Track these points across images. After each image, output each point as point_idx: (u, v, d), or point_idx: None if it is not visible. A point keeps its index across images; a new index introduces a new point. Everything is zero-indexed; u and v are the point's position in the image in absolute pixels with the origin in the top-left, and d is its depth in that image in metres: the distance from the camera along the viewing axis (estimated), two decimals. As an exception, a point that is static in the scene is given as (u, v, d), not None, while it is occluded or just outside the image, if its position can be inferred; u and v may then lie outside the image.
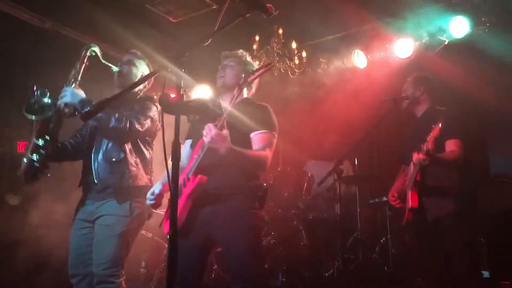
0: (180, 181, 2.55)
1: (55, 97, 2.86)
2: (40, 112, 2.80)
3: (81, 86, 2.94)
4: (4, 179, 4.68)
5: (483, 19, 4.71)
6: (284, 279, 4.65)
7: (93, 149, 2.99)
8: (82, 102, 2.79)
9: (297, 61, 5.53)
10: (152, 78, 3.19)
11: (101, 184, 2.90)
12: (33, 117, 2.79)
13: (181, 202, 2.48)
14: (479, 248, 4.34)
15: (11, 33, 4.77)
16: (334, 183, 4.63)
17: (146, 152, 3.09)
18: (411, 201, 3.20)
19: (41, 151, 2.78)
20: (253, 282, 2.44)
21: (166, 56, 1.88)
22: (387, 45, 5.33)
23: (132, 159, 2.98)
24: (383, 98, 3.66)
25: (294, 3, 4.85)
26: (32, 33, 4.96)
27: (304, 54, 5.53)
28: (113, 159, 2.93)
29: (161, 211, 4.30)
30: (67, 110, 2.86)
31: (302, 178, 5.48)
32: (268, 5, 2.10)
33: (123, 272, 2.92)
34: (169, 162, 1.78)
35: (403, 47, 5.15)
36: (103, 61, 3.02)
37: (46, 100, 2.83)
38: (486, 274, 4.36)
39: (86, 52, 2.97)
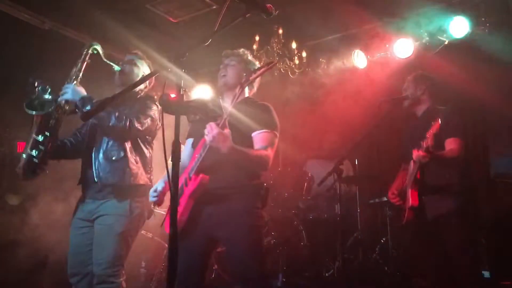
0: (182, 180, 2.55)
1: (55, 94, 2.86)
2: (41, 108, 2.80)
3: (81, 84, 2.94)
4: (4, 179, 4.68)
5: (483, 19, 4.70)
6: (284, 279, 4.64)
7: (94, 148, 2.99)
8: (83, 99, 2.80)
9: (297, 61, 5.53)
10: (153, 78, 3.21)
11: (101, 182, 2.90)
12: (34, 113, 2.79)
13: (182, 202, 2.48)
14: (479, 247, 4.34)
15: (11, 33, 4.76)
16: (334, 183, 4.61)
17: (146, 151, 3.09)
18: (411, 200, 3.20)
19: (41, 147, 2.78)
20: (256, 282, 2.44)
21: (166, 56, 1.89)
22: (387, 45, 5.33)
23: (132, 157, 2.98)
24: (383, 99, 3.66)
25: (294, 3, 4.84)
26: (31, 33, 4.96)
27: (304, 54, 5.53)
28: (113, 158, 2.93)
29: (163, 211, 4.31)
30: (68, 107, 2.86)
31: (302, 178, 5.48)
32: (268, 5, 2.10)
33: (123, 272, 2.92)
34: (169, 162, 1.79)
35: (403, 47, 5.15)
36: (105, 60, 3.02)
37: (47, 96, 2.83)
38: (486, 274, 4.36)
39: (88, 50, 2.97)
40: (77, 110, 2.82)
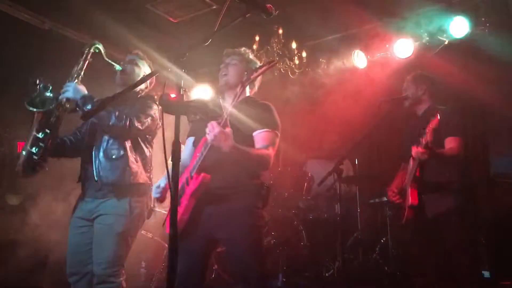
0: (183, 179, 2.54)
1: (57, 92, 2.87)
2: (42, 105, 2.81)
3: (82, 82, 2.94)
4: (4, 179, 4.68)
5: (483, 19, 4.71)
6: (284, 279, 4.65)
7: (94, 146, 2.99)
8: (84, 98, 2.80)
9: (297, 61, 5.54)
10: (154, 78, 3.22)
11: (101, 181, 2.90)
12: (35, 110, 2.80)
13: (184, 201, 2.48)
14: (479, 246, 4.34)
15: (11, 33, 4.76)
16: (334, 183, 4.61)
17: (146, 150, 3.09)
18: (410, 198, 3.20)
19: (41, 144, 2.79)
20: (256, 282, 2.43)
21: (166, 56, 1.89)
22: (387, 45, 5.33)
23: (132, 156, 2.98)
24: (383, 99, 3.67)
25: (294, 3, 4.85)
26: (31, 33, 4.96)
27: (304, 54, 5.53)
28: (113, 156, 2.93)
29: (164, 210, 4.31)
30: (69, 105, 2.86)
31: (302, 178, 5.49)
32: (268, 5, 2.10)
33: (124, 272, 2.92)
34: (169, 162, 1.79)
35: (403, 47, 5.15)
36: (106, 59, 3.03)
37: (48, 94, 2.84)
38: (486, 274, 4.36)
39: (90, 49, 2.98)
40: (77, 108, 2.83)
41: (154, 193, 2.68)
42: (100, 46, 3.01)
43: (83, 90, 2.87)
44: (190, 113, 2.35)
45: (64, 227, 3.10)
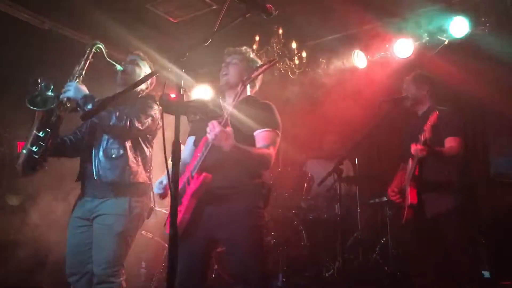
0: (184, 179, 2.54)
1: (58, 91, 2.87)
2: (43, 105, 2.81)
3: (83, 82, 2.94)
4: (4, 179, 4.68)
5: (483, 19, 4.70)
6: (284, 279, 4.65)
7: (93, 145, 2.99)
8: (85, 97, 2.80)
9: (297, 61, 5.53)
10: (155, 79, 3.22)
11: (100, 180, 2.90)
12: (36, 109, 2.80)
13: (185, 201, 2.47)
14: (479, 246, 4.35)
15: (11, 33, 4.76)
16: (334, 183, 4.62)
17: (146, 149, 3.09)
18: (410, 198, 3.20)
19: (41, 143, 2.79)
20: (256, 282, 2.43)
21: (166, 56, 1.89)
22: (387, 45, 5.33)
23: (132, 155, 2.98)
24: (383, 98, 3.67)
25: (294, 3, 4.84)
26: (31, 33, 4.96)
27: (304, 54, 5.53)
28: (113, 156, 2.93)
29: (164, 210, 4.31)
30: (69, 104, 2.87)
31: (302, 178, 5.48)
32: (268, 5, 2.10)
33: (123, 272, 2.92)
34: (169, 162, 1.79)
35: (403, 47, 5.15)
36: (108, 59, 3.03)
37: (50, 93, 2.84)
38: (486, 274, 4.36)
39: (91, 49, 2.99)
40: (78, 108, 2.83)
41: (157, 189, 2.67)
42: (102, 46, 3.01)
43: (84, 89, 2.87)
44: (190, 113, 2.35)
45: (64, 227, 3.10)
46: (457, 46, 4.92)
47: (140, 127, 2.93)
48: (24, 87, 2.90)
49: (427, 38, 5.05)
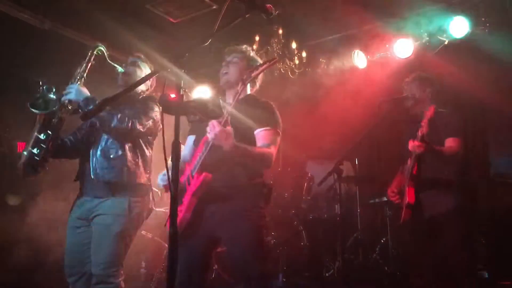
0: (185, 178, 2.54)
1: (59, 93, 2.87)
2: (45, 107, 2.82)
3: (84, 84, 2.95)
4: (4, 179, 4.68)
5: (483, 19, 4.71)
6: (284, 279, 4.65)
7: (92, 145, 2.99)
8: (87, 100, 2.80)
9: (297, 61, 5.53)
10: (155, 81, 3.22)
11: (97, 179, 2.90)
12: (38, 112, 2.80)
13: (185, 201, 2.47)
14: (479, 246, 4.35)
15: (11, 33, 4.76)
16: (334, 183, 4.62)
17: (146, 150, 3.09)
18: (407, 197, 3.20)
19: (42, 145, 2.79)
20: (257, 281, 2.43)
21: (166, 56, 1.89)
22: (387, 45, 5.33)
23: (130, 156, 2.98)
24: (383, 99, 3.67)
25: (294, 3, 4.84)
26: (31, 33, 4.96)
27: (304, 54, 5.53)
28: (111, 156, 2.93)
29: (164, 209, 4.31)
30: (71, 107, 2.87)
31: (302, 178, 5.49)
32: (268, 5, 2.10)
33: (122, 272, 2.92)
34: (169, 162, 1.79)
35: (403, 47, 5.15)
36: (109, 61, 3.03)
37: (51, 95, 2.84)
38: (485, 274, 4.36)
39: (93, 51, 2.99)
40: (80, 110, 2.83)
41: (161, 180, 2.64)
42: (103, 49, 3.01)
43: (86, 92, 2.87)
44: (190, 114, 2.35)
45: (64, 227, 3.10)
46: (457, 46, 4.91)
47: (141, 129, 2.94)
48: (24, 87, 2.90)
49: (427, 38, 5.04)
